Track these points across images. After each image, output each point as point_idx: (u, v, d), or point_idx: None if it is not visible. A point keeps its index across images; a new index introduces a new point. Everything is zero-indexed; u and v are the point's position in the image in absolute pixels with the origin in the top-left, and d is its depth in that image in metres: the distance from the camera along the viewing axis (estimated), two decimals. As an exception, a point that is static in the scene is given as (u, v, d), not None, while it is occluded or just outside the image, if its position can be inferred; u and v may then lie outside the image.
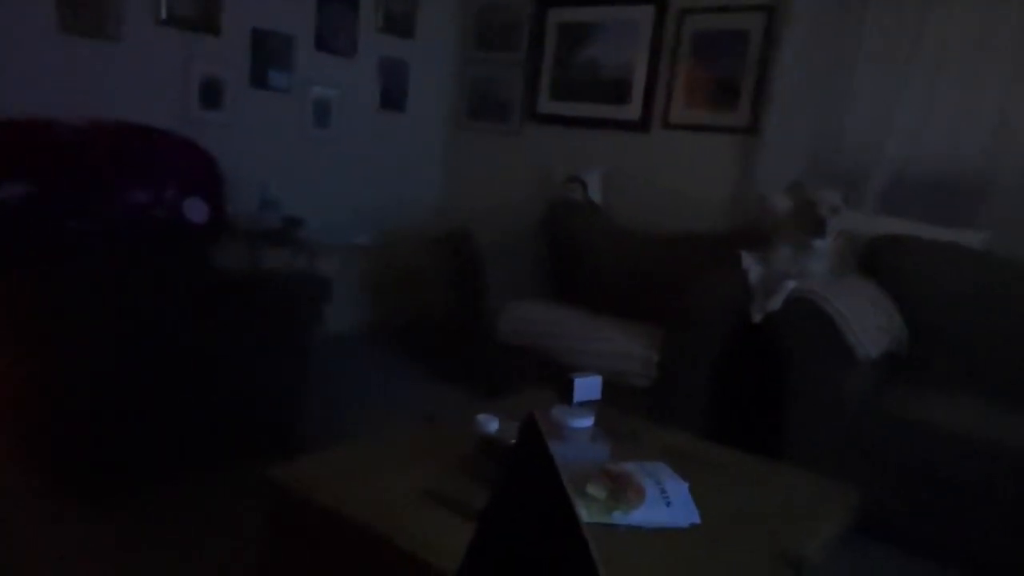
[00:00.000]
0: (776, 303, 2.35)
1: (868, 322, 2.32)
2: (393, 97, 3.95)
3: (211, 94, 3.17)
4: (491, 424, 1.49)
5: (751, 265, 2.60)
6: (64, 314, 2.03)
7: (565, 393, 1.71)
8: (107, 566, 1.75)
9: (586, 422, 1.54)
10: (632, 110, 3.63)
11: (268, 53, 3.34)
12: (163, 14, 2.93)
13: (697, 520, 1.33)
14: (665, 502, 1.35)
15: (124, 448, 2.10)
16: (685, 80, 3.46)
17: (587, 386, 1.73)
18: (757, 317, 2.38)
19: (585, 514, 1.29)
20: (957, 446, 2.10)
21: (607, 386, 1.78)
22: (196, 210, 2.76)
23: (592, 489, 1.33)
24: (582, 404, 1.69)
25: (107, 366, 2.03)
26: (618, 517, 1.29)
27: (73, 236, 2.44)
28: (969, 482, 2.08)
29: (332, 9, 3.55)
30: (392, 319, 4.23)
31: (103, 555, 1.79)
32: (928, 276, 2.62)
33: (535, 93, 3.98)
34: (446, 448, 1.52)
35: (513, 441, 0.70)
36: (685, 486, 1.42)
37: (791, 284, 2.38)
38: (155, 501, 2.06)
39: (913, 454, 2.17)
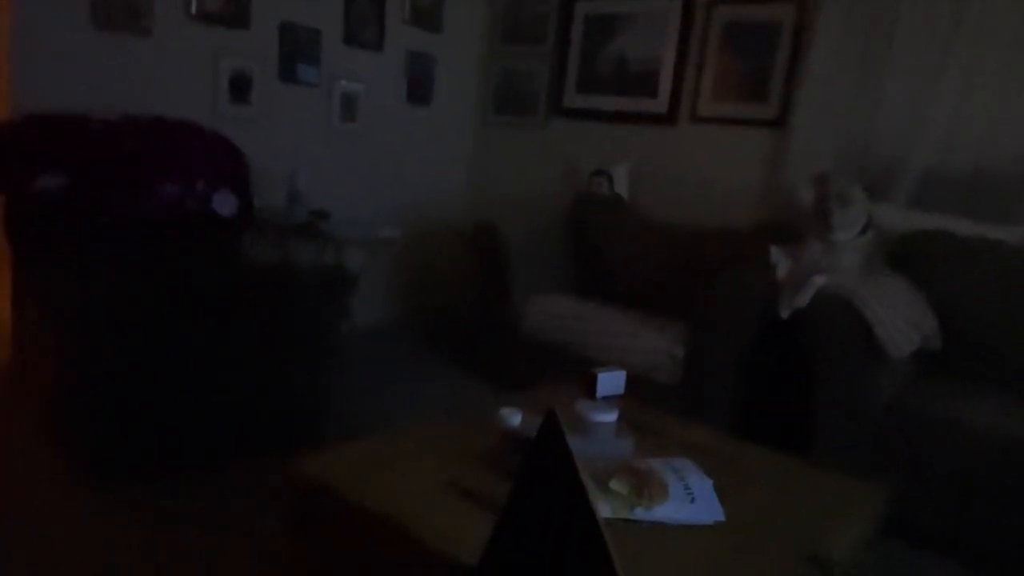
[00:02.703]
0: (804, 299, 2.32)
1: (900, 319, 2.28)
2: (419, 91, 3.96)
3: (240, 88, 3.20)
4: (514, 418, 1.49)
5: (779, 260, 2.56)
6: (95, 304, 2.07)
7: (589, 387, 1.71)
8: (131, 552, 1.79)
9: (610, 417, 1.54)
10: (659, 103, 3.60)
11: (296, 47, 3.36)
12: (193, 9, 2.97)
13: (721, 518, 1.32)
14: (689, 499, 1.34)
15: (151, 436, 2.14)
16: (713, 72, 3.42)
17: (611, 381, 1.72)
18: (785, 313, 2.35)
19: (608, 509, 1.28)
20: (991, 446, 2.05)
21: (632, 381, 1.77)
22: (225, 203, 2.80)
23: (615, 484, 1.32)
24: (606, 399, 1.68)
25: (136, 355, 2.07)
26: (641, 513, 1.28)
27: (106, 227, 2.49)
28: (1003, 483, 2.03)
29: (359, 2, 3.56)
30: (418, 312, 4.25)
31: (127, 541, 1.83)
32: (962, 272, 2.56)
33: (561, 87, 3.96)
34: (470, 441, 1.52)
35: (534, 435, 0.69)
36: (710, 483, 1.41)
37: (820, 280, 2.34)
38: (181, 489, 2.09)
39: (945, 454, 2.12)
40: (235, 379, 2.30)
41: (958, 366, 2.50)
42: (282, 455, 1.48)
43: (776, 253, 2.60)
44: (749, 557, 1.21)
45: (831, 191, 2.51)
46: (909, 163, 2.86)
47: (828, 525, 1.36)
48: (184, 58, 3.01)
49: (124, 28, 2.79)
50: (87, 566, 1.71)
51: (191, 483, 2.13)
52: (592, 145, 3.84)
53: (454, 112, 4.21)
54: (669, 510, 1.30)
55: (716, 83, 3.41)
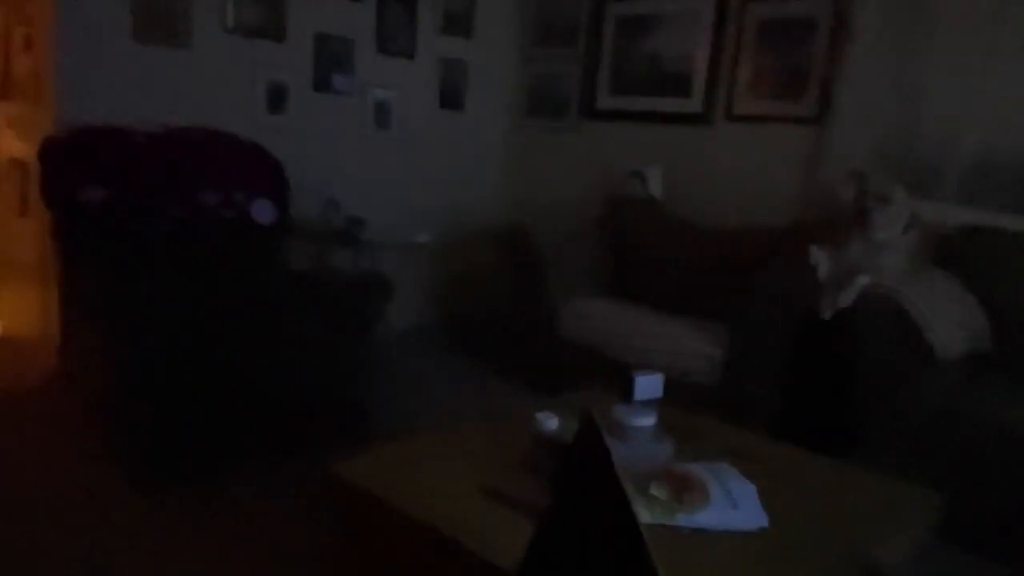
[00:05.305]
0: (848, 299, 2.26)
1: (948, 319, 2.21)
2: (452, 97, 3.98)
3: (277, 99, 3.25)
4: (550, 422, 1.48)
5: (820, 259, 2.51)
6: (140, 310, 2.11)
7: (626, 391, 1.68)
8: (175, 549, 1.82)
9: (648, 421, 1.51)
10: (694, 103, 3.55)
11: (330, 57, 3.40)
12: (230, 22, 3.03)
13: (765, 523, 1.29)
14: (731, 504, 1.31)
15: (196, 438, 2.18)
16: (749, 70, 3.36)
17: (648, 384, 1.69)
18: (827, 314, 2.30)
19: (648, 515, 1.26)
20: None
21: (670, 384, 1.74)
22: (263, 212, 2.84)
23: (655, 489, 1.30)
24: (644, 402, 1.66)
25: (180, 360, 2.11)
26: (683, 519, 1.26)
27: (148, 237, 2.55)
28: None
29: (391, 11, 3.59)
30: (454, 316, 4.26)
31: (173, 539, 1.86)
32: (1013, 270, 2.47)
33: (594, 88, 3.94)
34: (506, 445, 1.51)
35: (571, 439, 0.68)
36: (752, 488, 1.38)
37: (864, 280, 2.28)
38: (224, 489, 2.12)
39: (998, 458, 2.05)
40: (276, 383, 2.33)
41: (1011, 368, 2.42)
42: (324, 456, 1.50)
43: (816, 253, 2.55)
44: (795, 564, 1.18)
45: (870, 189, 2.46)
46: (955, 157, 2.78)
47: (878, 531, 1.32)
48: (222, 70, 3.06)
49: (164, 42, 2.86)
50: (128, 562, 1.74)
51: (236, 484, 2.16)
52: (626, 146, 3.81)
53: (487, 116, 4.21)
54: (711, 516, 1.27)
55: (752, 81, 3.36)
